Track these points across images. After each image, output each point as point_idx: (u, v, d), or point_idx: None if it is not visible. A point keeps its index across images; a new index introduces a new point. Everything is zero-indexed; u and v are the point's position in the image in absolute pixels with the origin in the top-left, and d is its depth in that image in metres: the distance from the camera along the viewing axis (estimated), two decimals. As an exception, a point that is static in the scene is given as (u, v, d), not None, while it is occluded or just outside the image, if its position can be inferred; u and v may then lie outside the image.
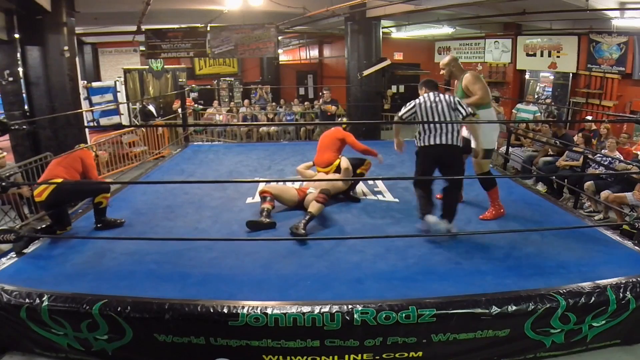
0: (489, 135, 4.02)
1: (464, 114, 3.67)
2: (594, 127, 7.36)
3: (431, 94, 3.80)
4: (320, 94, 11.50)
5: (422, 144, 3.70)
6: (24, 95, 6.46)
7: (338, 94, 11.43)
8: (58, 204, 3.87)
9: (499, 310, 2.63)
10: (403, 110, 3.87)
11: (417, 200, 3.82)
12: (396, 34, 13.41)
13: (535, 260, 3.36)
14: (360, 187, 5.17)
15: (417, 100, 3.82)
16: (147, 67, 11.83)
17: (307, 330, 2.59)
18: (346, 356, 2.67)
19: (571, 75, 10.15)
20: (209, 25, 8.77)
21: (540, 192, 5.53)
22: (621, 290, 2.81)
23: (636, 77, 8.71)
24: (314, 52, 15.55)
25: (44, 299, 2.71)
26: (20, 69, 6.35)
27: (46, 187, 3.74)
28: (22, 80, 6.38)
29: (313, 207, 4.01)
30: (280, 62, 15.86)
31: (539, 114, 9.78)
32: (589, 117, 8.03)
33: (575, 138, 6.88)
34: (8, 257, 3.43)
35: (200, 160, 6.84)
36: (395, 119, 3.94)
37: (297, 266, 3.34)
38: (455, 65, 4.24)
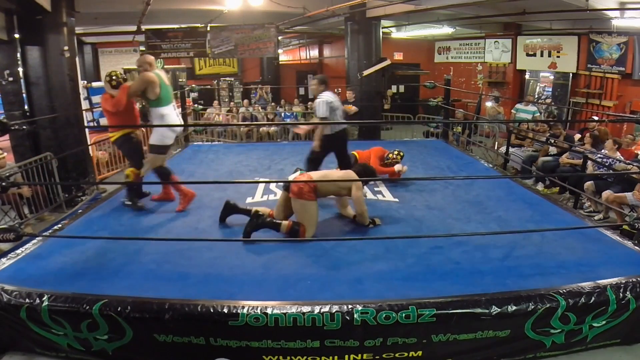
0: (158, 133, 4.41)
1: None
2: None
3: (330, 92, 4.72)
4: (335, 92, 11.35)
5: (335, 131, 4.68)
6: (24, 95, 6.45)
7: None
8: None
9: (499, 310, 2.64)
10: (323, 109, 4.55)
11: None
12: (396, 34, 13.41)
13: (535, 260, 3.36)
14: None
15: (325, 97, 4.60)
16: (147, 67, 11.83)
17: (307, 330, 2.59)
18: (346, 356, 2.68)
19: (571, 75, 10.14)
20: (209, 25, 8.77)
21: (540, 192, 5.53)
22: (621, 290, 2.81)
23: (636, 77, 8.70)
24: (314, 52, 15.55)
25: (44, 299, 2.72)
26: (20, 69, 6.34)
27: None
28: (22, 80, 6.36)
29: (285, 224, 3.83)
30: (280, 62, 15.85)
31: (539, 114, 9.78)
32: (595, 117, 8.02)
33: (577, 137, 6.88)
34: (8, 257, 3.43)
35: (200, 160, 6.83)
36: (320, 117, 4.59)
37: (297, 266, 3.34)
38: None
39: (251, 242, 3.75)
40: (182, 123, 4.53)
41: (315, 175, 4.03)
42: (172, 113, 4.43)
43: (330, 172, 4.24)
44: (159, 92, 4.24)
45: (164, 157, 4.55)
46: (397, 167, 5.33)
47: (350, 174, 4.04)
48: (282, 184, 4.22)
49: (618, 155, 5.85)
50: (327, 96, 4.67)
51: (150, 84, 4.21)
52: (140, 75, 4.27)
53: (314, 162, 4.82)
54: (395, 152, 5.45)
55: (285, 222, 3.82)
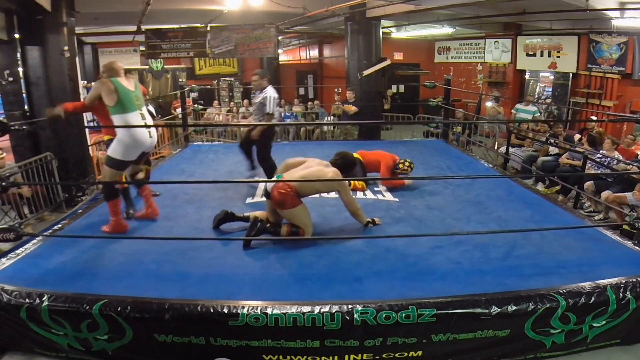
0: (120, 144, 3.79)
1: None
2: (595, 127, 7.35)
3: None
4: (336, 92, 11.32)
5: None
6: (24, 95, 6.45)
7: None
8: None
9: (499, 310, 2.64)
10: (272, 106, 5.00)
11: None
12: (396, 34, 13.41)
13: (535, 260, 3.36)
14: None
15: (272, 93, 5.08)
16: (147, 67, 11.83)
17: (307, 330, 2.59)
18: (346, 356, 2.68)
19: (571, 75, 10.14)
20: (209, 25, 8.76)
21: (540, 192, 5.53)
22: (621, 290, 2.81)
23: (636, 77, 8.70)
24: (314, 52, 15.55)
25: (44, 299, 2.71)
26: (20, 69, 6.34)
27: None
28: (22, 80, 6.37)
29: (284, 229, 3.78)
30: (280, 62, 15.85)
31: (539, 114, 9.78)
32: (594, 117, 8.03)
33: (577, 137, 6.87)
34: (8, 257, 3.43)
35: (200, 160, 6.83)
36: (268, 112, 4.99)
37: (297, 266, 3.34)
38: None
39: (251, 241, 3.75)
40: (153, 136, 3.94)
41: (294, 177, 3.80)
42: (139, 123, 3.86)
43: (313, 170, 3.94)
44: (116, 98, 3.74)
45: (122, 174, 4.05)
46: (407, 182, 5.19)
47: (337, 173, 3.92)
48: (263, 192, 4.03)
49: (616, 154, 5.85)
50: (272, 92, 5.07)
51: (104, 90, 3.76)
52: (100, 81, 3.91)
53: (266, 154, 5.17)
54: (407, 163, 5.22)
55: (284, 228, 3.79)
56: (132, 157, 3.91)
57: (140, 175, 4.31)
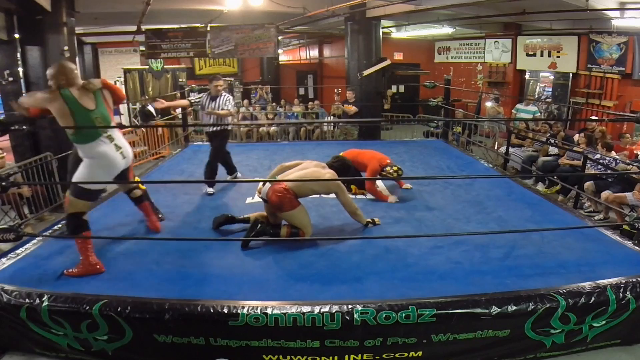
0: (87, 168, 3.10)
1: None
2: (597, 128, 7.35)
3: None
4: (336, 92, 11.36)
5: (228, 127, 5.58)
6: (24, 95, 6.45)
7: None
8: None
9: (499, 310, 2.64)
10: (231, 105, 5.45)
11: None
12: (396, 34, 13.41)
13: (535, 260, 3.36)
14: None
15: (230, 95, 5.44)
16: (147, 67, 11.81)
17: (307, 330, 2.59)
18: (346, 356, 2.67)
19: (571, 75, 10.14)
20: (209, 25, 8.77)
21: (540, 192, 5.53)
22: (621, 290, 2.81)
23: (636, 77, 8.70)
24: (314, 52, 15.55)
25: (44, 299, 2.71)
26: (20, 69, 6.34)
27: None
28: (22, 80, 6.37)
29: (284, 230, 3.77)
30: (280, 62, 15.85)
31: (539, 114, 9.77)
32: (594, 117, 8.03)
33: (576, 137, 6.87)
34: (8, 257, 3.43)
35: (200, 160, 6.82)
36: (229, 111, 5.44)
37: (297, 266, 3.34)
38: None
39: (251, 242, 3.75)
40: (127, 155, 3.26)
41: (291, 178, 3.77)
42: (109, 151, 3.10)
43: (310, 171, 3.90)
44: (72, 123, 2.95)
45: (89, 204, 3.25)
46: (390, 199, 4.78)
47: (334, 175, 3.91)
48: (260, 197, 3.92)
49: (613, 154, 5.85)
50: (229, 95, 5.58)
51: (54, 108, 2.92)
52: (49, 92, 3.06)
53: (219, 151, 5.51)
54: (395, 168, 4.70)
55: (284, 230, 3.79)
56: (101, 186, 3.31)
57: (137, 193, 3.87)
